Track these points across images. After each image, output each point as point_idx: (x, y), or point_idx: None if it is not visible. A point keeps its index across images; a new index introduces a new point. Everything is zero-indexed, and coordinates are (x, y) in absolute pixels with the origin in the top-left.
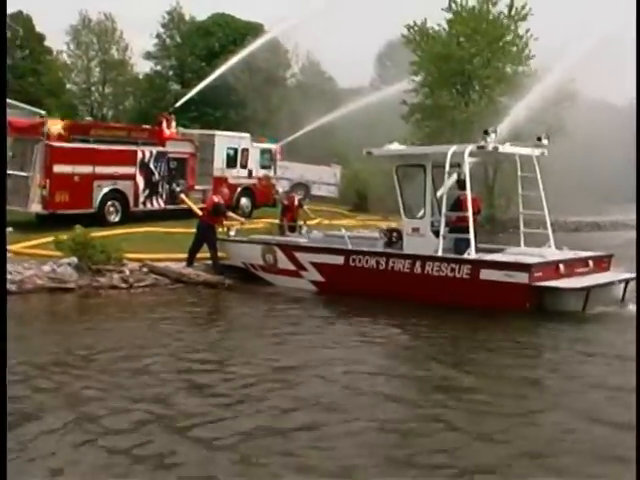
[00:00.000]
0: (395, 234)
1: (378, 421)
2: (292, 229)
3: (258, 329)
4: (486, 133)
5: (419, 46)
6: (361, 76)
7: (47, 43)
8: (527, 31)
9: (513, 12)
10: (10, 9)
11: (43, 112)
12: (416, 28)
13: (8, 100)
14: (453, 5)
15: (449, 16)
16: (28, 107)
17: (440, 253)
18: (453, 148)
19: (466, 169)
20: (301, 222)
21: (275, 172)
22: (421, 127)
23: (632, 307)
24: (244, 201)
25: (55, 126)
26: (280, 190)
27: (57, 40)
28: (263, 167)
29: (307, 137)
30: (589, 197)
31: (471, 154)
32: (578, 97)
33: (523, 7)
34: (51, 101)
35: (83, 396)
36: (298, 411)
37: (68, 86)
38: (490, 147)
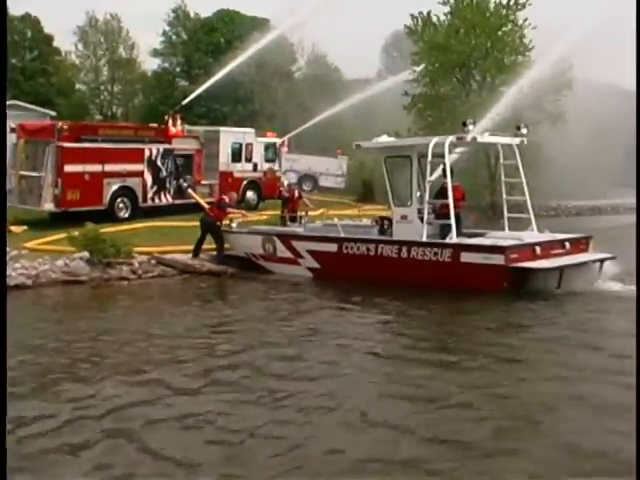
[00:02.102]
0: (387, 222)
1: None
2: (293, 220)
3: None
4: (464, 125)
5: (421, 37)
6: (368, 67)
7: (55, 44)
8: (525, 20)
9: (512, 2)
10: (18, 11)
11: (53, 113)
12: (419, 18)
13: (19, 102)
14: None
15: (447, 9)
16: (38, 108)
17: (424, 238)
18: (435, 139)
19: (446, 159)
20: (302, 213)
21: (280, 165)
22: (423, 117)
23: (607, 285)
24: (250, 194)
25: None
26: (285, 182)
27: (65, 41)
28: (268, 160)
29: (314, 129)
30: (595, 181)
31: (452, 144)
32: (586, 82)
33: None
34: (61, 101)
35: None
36: None
37: (77, 86)
38: (468, 138)
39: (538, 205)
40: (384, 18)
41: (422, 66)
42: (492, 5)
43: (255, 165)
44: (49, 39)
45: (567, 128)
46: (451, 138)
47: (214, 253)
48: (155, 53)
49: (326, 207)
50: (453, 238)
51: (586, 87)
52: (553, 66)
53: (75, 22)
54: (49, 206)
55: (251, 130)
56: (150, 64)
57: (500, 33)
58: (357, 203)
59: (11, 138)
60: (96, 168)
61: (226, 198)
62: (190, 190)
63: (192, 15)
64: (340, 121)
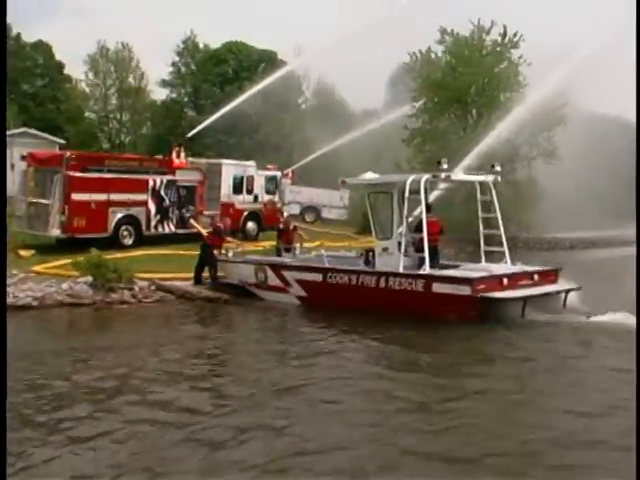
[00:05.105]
0: (371, 253)
1: None
2: (288, 251)
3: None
4: (438, 163)
5: (419, 73)
6: (375, 98)
7: (66, 71)
8: (520, 57)
9: (506, 40)
10: (31, 38)
11: (62, 141)
12: (417, 56)
13: (29, 130)
14: (446, 37)
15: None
16: (48, 136)
17: (401, 270)
18: (412, 177)
19: (422, 196)
20: (297, 244)
21: (281, 197)
22: (422, 151)
23: (570, 313)
24: (250, 225)
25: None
26: (285, 214)
27: (76, 69)
28: (268, 192)
29: (318, 161)
30: (591, 214)
31: (429, 182)
32: (582, 114)
33: (515, 34)
34: (70, 128)
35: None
36: None
37: (87, 114)
38: (443, 175)
39: (532, 239)
40: (392, 50)
41: (421, 102)
42: (488, 43)
43: (256, 197)
44: (60, 66)
45: (563, 161)
46: (427, 176)
47: (208, 280)
48: (164, 84)
49: (325, 239)
50: (426, 269)
51: (582, 120)
52: (546, 103)
53: (86, 51)
54: (56, 232)
55: (252, 163)
56: (159, 94)
57: (496, 70)
58: (358, 235)
59: (21, 166)
60: (102, 197)
61: (221, 225)
62: (192, 220)
63: (201, 46)
64: (344, 153)
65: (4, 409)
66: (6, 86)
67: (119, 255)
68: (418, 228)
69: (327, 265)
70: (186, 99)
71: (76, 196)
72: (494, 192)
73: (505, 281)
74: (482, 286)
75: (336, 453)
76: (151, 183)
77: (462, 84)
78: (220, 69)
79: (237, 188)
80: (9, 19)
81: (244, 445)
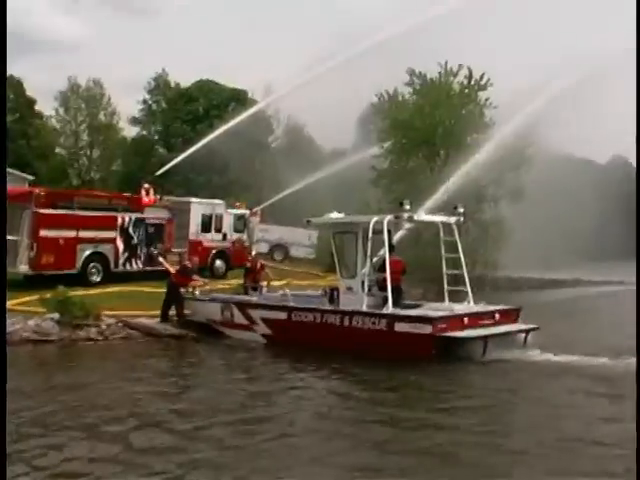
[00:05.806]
0: (336, 292)
1: None
2: (255, 289)
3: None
4: (401, 204)
5: (387, 114)
6: (344, 137)
7: (37, 107)
8: (487, 99)
9: (473, 82)
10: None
11: (31, 177)
12: (385, 97)
13: None
14: (415, 79)
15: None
16: (18, 172)
17: (364, 309)
18: (375, 218)
19: (385, 236)
20: (264, 283)
21: (249, 236)
22: (391, 191)
23: (530, 352)
24: (218, 263)
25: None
26: (254, 252)
27: (46, 105)
28: (237, 231)
29: (288, 199)
30: (560, 252)
31: (391, 223)
32: (551, 156)
33: (482, 77)
34: (41, 164)
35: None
36: None
37: (57, 150)
38: (405, 216)
39: (500, 278)
40: (361, 89)
41: (389, 142)
42: (456, 85)
43: (224, 235)
44: (31, 102)
45: (530, 201)
46: (389, 217)
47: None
48: (134, 121)
49: (292, 277)
50: (389, 309)
51: (548, 160)
52: (512, 144)
53: (57, 87)
54: (24, 268)
55: (221, 202)
56: (129, 131)
57: (463, 112)
58: (325, 274)
59: None
60: (70, 234)
61: (188, 263)
62: (160, 258)
63: (172, 84)
64: (313, 192)
65: (4, 412)
66: (5, 96)
67: (86, 292)
68: (382, 267)
69: (292, 304)
70: (156, 137)
71: (45, 232)
72: (456, 233)
73: (466, 320)
74: (443, 325)
75: None
76: (120, 220)
77: (429, 125)
78: (191, 107)
79: (206, 226)
80: None
81: None
